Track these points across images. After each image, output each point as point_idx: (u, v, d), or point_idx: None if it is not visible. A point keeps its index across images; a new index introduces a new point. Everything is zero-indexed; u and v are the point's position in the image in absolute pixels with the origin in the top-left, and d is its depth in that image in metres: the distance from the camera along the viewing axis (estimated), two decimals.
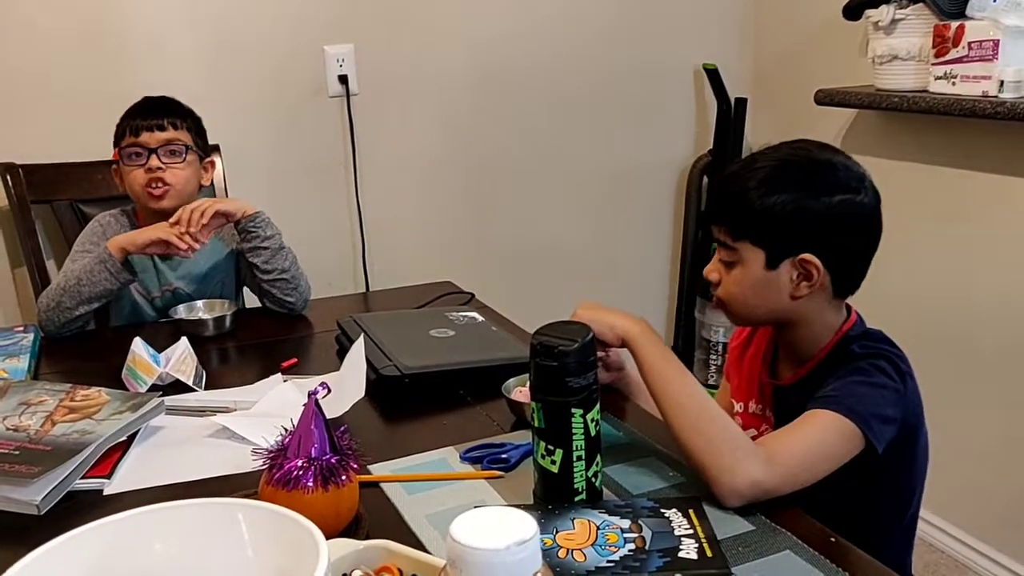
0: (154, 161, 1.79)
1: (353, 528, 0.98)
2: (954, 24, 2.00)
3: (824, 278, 1.16)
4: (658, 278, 2.94)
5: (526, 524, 0.59)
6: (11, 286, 2.23)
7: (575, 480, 1.03)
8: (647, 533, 0.97)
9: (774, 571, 0.92)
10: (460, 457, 1.18)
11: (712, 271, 1.23)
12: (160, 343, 1.53)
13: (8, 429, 1.17)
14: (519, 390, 1.29)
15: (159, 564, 0.76)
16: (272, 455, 0.97)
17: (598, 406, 1.04)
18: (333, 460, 0.96)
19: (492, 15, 2.52)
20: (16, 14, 2.10)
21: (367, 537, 0.92)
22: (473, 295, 1.91)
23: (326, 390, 0.99)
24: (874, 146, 2.38)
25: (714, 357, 2.77)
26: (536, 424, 1.03)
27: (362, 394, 1.25)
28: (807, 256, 1.14)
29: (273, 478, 0.95)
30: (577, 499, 1.03)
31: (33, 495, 1.06)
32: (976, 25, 1.96)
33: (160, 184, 1.79)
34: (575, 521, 0.99)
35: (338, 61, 2.38)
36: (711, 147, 2.79)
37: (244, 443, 1.21)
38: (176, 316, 1.76)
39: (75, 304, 1.69)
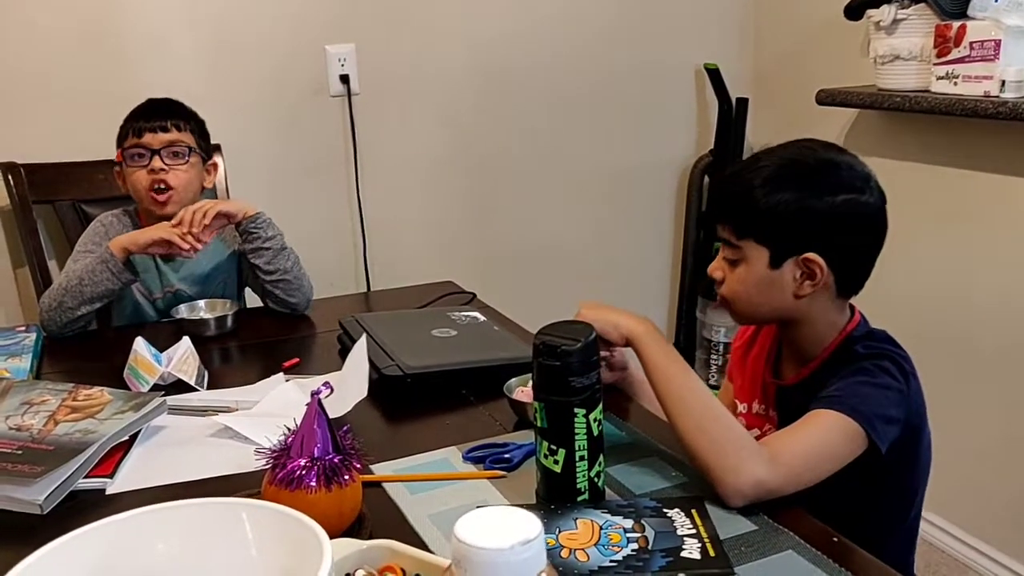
0: (157, 162, 1.79)
1: (356, 528, 0.98)
2: (956, 24, 2.00)
3: (828, 277, 1.16)
4: (659, 278, 2.94)
5: (531, 524, 0.59)
6: (13, 286, 2.23)
7: (578, 480, 1.03)
8: (650, 533, 0.97)
9: (777, 571, 0.92)
10: (463, 457, 1.18)
11: (716, 269, 1.23)
12: (162, 343, 1.53)
13: (11, 428, 1.17)
14: (521, 390, 1.29)
15: (162, 564, 0.76)
16: (275, 455, 0.97)
17: (601, 406, 1.04)
18: (336, 460, 0.96)
19: (493, 15, 2.52)
20: (17, 14, 2.10)
21: (370, 537, 0.92)
22: (475, 295, 1.91)
23: (329, 390, 0.99)
24: (876, 146, 2.38)
25: (715, 357, 2.77)
26: (539, 424, 1.03)
27: (364, 394, 1.25)
28: (811, 255, 1.15)
29: (276, 478, 0.95)
30: (580, 499, 1.03)
31: (36, 494, 1.06)
32: (978, 25, 1.96)
33: (164, 188, 1.79)
34: (578, 521, 0.99)
35: (339, 61, 2.38)
36: (712, 147, 2.79)
37: (246, 443, 1.21)
38: (178, 316, 1.76)
39: (77, 304, 1.69)
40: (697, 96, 2.83)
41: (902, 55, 2.15)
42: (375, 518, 1.01)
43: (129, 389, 1.39)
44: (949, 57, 2.03)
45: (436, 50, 2.48)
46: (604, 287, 2.77)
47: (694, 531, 0.97)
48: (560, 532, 0.97)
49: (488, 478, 1.13)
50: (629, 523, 0.99)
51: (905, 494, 1.24)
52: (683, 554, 0.93)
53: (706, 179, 2.81)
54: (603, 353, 1.16)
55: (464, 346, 1.51)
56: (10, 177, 2.09)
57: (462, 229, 2.63)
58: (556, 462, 1.02)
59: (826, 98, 2.35)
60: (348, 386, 1.25)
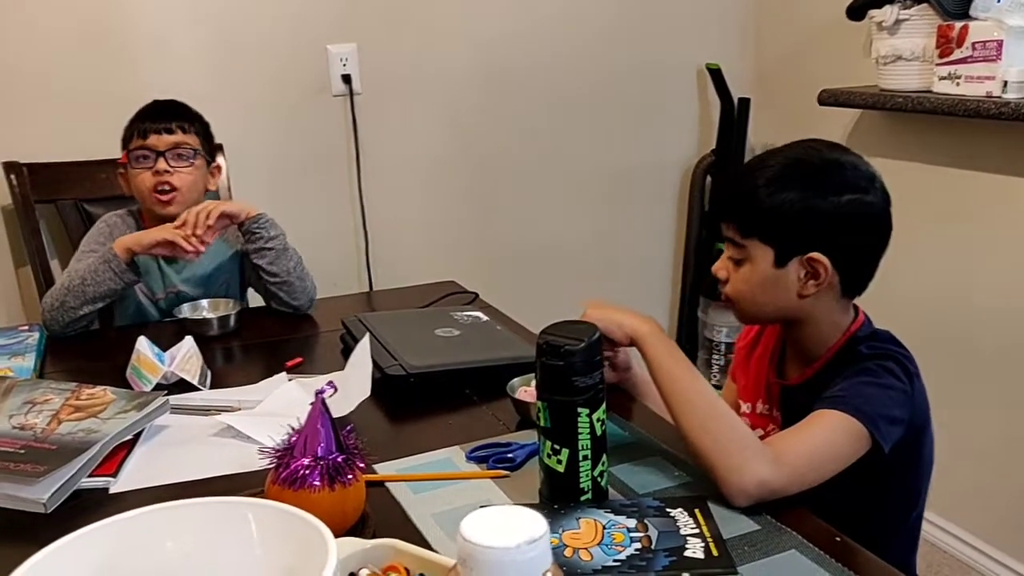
0: (161, 164, 1.79)
1: (359, 527, 0.98)
2: (958, 24, 2.00)
3: (832, 277, 1.16)
4: (661, 278, 2.94)
5: (536, 523, 0.59)
6: (15, 285, 2.23)
7: (581, 479, 1.03)
8: (653, 532, 0.97)
9: (780, 570, 0.92)
10: (466, 456, 1.18)
11: (720, 268, 1.23)
12: (165, 342, 1.53)
13: (14, 428, 1.17)
14: (524, 389, 1.29)
15: (168, 563, 0.76)
16: (278, 454, 0.97)
17: (604, 405, 1.04)
18: (339, 459, 0.96)
19: (495, 14, 2.52)
20: (18, 13, 2.10)
21: (373, 536, 0.92)
22: (477, 295, 1.92)
23: (333, 389, 0.99)
24: (878, 146, 2.38)
25: (717, 357, 2.78)
26: (542, 423, 1.03)
27: (367, 393, 1.25)
28: (815, 255, 1.15)
29: (280, 477, 0.95)
30: (583, 498, 1.03)
31: (40, 493, 1.06)
32: (980, 25, 1.96)
33: (168, 188, 1.79)
34: (581, 521, 0.99)
35: (341, 60, 2.38)
36: (714, 147, 2.79)
37: (249, 442, 1.21)
38: (181, 315, 1.76)
39: (79, 304, 1.69)
40: (699, 96, 2.83)
41: (904, 55, 2.15)
42: (378, 517, 1.01)
43: (132, 388, 1.39)
44: (951, 57, 2.03)
45: (438, 50, 2.48)
46: (606, 287, 2.77)
47: (697, 531, 0.97)
48: (563, 532, 0.97)
49: (491, 478, 1.13)
50: (632, 523, 0.99)
51: (908, 494, 1.24)
52: (686, 554, 0.93)
53: (708, 179, 2.81)
54: (607, 353, 1.16)
55: (467, 346, 1.51)
56: (12, 176, 2.10)
57: (464, 229, 2.63)
58: (559, 462, 1.02)
59: (828, 98, 2.35)
60: (351, 385, 1.25)
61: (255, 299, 1.96)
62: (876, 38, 2.22)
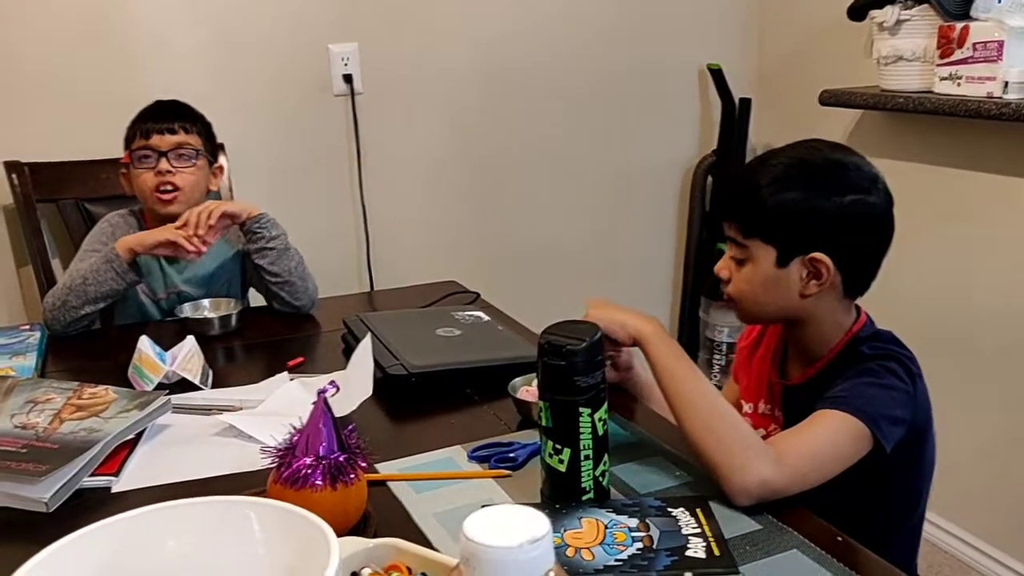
0: (164, 164, 1.79)
1: (361, 527, 0.98)
2: (959, 25, 2.00)
3: (834, 277, 1.16)
4: (662, 278, 2.95)
5: (539, 522, 0.59)
6: (16, 284, 2.23)
7: (582, 479, 1.03)
8: (655, 532, 0.97)
9: (781, 570, 0.92)
10: (467, 456, 1.18)
11: (723, 268, 1.23)
12: (166, 342, 1.53)
13: (16, 427, 1.17)
14: (525, 389, 1.29)
15: (171, 562, 0.76)
16: (280, 453, 0.98)
17: (606, 405, 1.04)
18: (341, 459, 0.96)
19: (496, 14, 2.52)
20: (19, 13, 2.10)
21: (375, 536, 0.92)
22: (478, 294, 1.92)
23: (335, 389, 0.99)
24: (879, 147, 2.38)
25: (718, 357, 2.78)
26: (544, 423, 1.03)
27: (369, 393, 1.25)
28: (817, 255, 1.15)
29: (281, 476, 0.95)
30: (585, 498, 1.03)
31: (42, 492, 1.07)
32: (981, 26, 1.96)
33: (170, 188, 1.79)
34: (583, 520, 0.99)
35: (342, 60, 2.38)
36: (715, 147, 2.80)
37: (250, 441, 1.21)
38: (182, 315, 1.76)
39: (81, 303, 1.69)
40: (700, 96, 2.83)
41: (905, 56, 2.15)
42: (380, 517, 1.01)
43: (134, 388, 1.39)
44: (952, 58, 2.03)
45: (439, 49, 2.48)
46: (607, 287, 2.77)
47: (699, 530, 0.97)
48: (565, 531, 0.97)
49: (493, 477, 1.13)
50: (634, 522, 0.99)
51: (910, 495, 1.24)
52: (688, 553, 0.93)
53: (709, 179, 2.81)
54: (610, 352, 1.16)
55: (468, 345, 1.51)
56: (14, 176, 2.10)
57: (466, 228, 2.63)
58: (561, 461, 1.02)
59: (829, 99, 2.35)
60: (353, 385, 1.25)
61: (256, 299, 1.96)
62: (877, 38, 2.22)
